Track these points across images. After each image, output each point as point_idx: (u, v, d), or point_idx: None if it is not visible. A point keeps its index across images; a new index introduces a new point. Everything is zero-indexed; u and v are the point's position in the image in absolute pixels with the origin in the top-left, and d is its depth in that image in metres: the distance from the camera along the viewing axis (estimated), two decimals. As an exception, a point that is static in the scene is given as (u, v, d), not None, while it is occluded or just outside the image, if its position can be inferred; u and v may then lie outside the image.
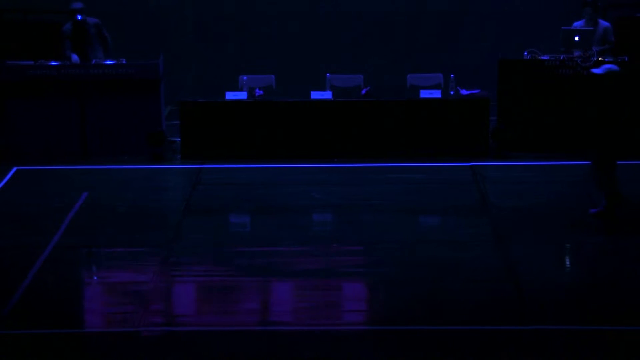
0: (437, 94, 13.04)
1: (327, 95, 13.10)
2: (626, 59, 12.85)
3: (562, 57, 12.96)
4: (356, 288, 9.20)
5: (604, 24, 13.34)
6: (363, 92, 13.24)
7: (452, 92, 13.07)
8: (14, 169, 12.52)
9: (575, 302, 8.77)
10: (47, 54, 13.31)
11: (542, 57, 13.02)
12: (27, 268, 9.43)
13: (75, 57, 13.12)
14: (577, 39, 12.85)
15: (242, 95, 13.08)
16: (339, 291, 9.10)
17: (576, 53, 12.73)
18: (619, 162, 10.39)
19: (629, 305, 8.60)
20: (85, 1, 13.97)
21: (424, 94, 13.02)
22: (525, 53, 13.10)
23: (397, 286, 9.12)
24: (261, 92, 13.19)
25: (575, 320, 8.34)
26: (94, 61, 13.11)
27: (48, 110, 12.98)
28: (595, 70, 10.27)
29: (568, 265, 9.86)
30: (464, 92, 13.08)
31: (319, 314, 8.53)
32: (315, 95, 13.06)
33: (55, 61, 13.06)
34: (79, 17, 13.11)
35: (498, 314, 8.46)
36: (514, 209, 10.97)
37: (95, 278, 9.38)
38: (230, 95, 13.07)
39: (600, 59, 12.87)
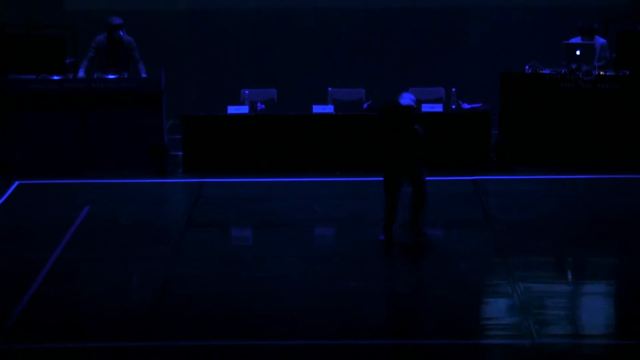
0: (438, 107, 13.05)
1: (329, 109, 13.11)
2: (627, 72, 12.88)
3: (563, 71, 12.98)
4: (357, 302, 9.18)
5: (600, 40, 13.38)
6: (365, 106, 13.25)
7: (453, 106, 13.09)
8: (16, 183, 12.53)
9: (577, 316, 8.77)
10: (50, 68, 13.33)
11: (544, 71, 13.04)
12: (29, 282, 9.43)
13: (81, 74, 13.15)
14: (578, 53, 12.87)
15: (244, 109, 13.10)
16: (340, 305, 9.08)
17: (584, 67, 12.74)
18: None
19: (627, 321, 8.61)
20: (90, 16, 14.04)
21: (426, 107, 13.03)
22: (527, 67, 13.12)
23: (400, 300, 9.11)
24: (263, 106, 13.21)
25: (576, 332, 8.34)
26: (95, 75, 13.13)
27: (50, 125, 12.99)
28: (401, 101, 10.19)
29: (570, 279, 9.84)
30: (465, 105, 13.09)
31: (323, 330, 8.52)
32: (317, 109, 13.07)
33: (57, 75, 13.08)
34: (121, 33, 13.17)
35: (505, 329, 8.45)
36: (516, 223, 10.97)
37: (98, 292, 9.36)
38: (232, 109, 13.09)
39: (601, 72, 12.89)
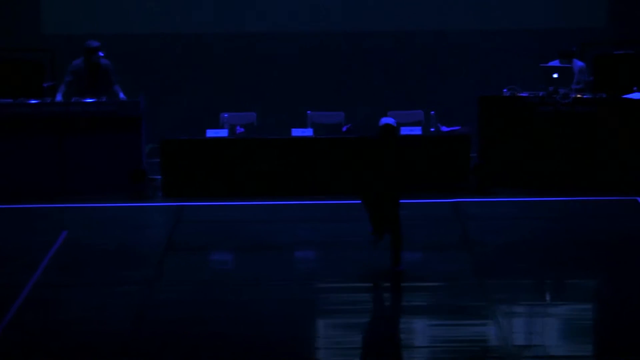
0: (417, 130, 13.08)
1: (308, 132, 13.12)
2: (604, 96, 12.96)
3: (541, 94, 13.05)
4: (338, 323, 9.16)
5: (578, 63, 13.47)
6: (344, 129, 13.27)
7: (432, 129, 13.12)
8: (-6, 207, 12.47)
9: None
10: (28, 92, 13.29)
11: (522, 94, 13.10)
12: (5, 308, 9.35)
13: (59, 98, 13.11)
14: (556, 76, 12.94)
15: (223, 133, 13.09)
16: (323, 328, 9.05)
17: (561, 91, 12.81)
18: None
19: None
20: (68, 40, 14.01)
21: (405, 130, 13.05)
22: (505, 90, 13.19)
23: (380, 325, 9.10)
24: (242, 129, 13.20)
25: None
26: (73, 99, 13.08)
27: (28, 149, 12.93)
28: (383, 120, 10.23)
29: (549, 301, 9.85)
30: (444, 128, 13.13)
31: (302, 350, 8.50)
32: (297, 132, 13.08)
33: (35, 99, 13.03)
34: (101, 54, 13.13)
35: (484, 352, 8.45)
36: (495, 245, 10.99)
37: (76, 317, 9.30)
38: (211, 133, 13.08)
39: (578, 96, 12.97)
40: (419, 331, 8.92)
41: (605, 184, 12.82)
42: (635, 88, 13.08)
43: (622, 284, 9.88)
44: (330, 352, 8.53)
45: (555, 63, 13.36)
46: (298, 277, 10.21)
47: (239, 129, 13.16)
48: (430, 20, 15.76)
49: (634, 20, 15.69)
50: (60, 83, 13.39)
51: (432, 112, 13.17)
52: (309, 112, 13.82)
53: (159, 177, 13.16)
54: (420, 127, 13.21)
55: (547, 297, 9.96)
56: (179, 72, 15.90)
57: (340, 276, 10.12)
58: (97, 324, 9.12)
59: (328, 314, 9.27)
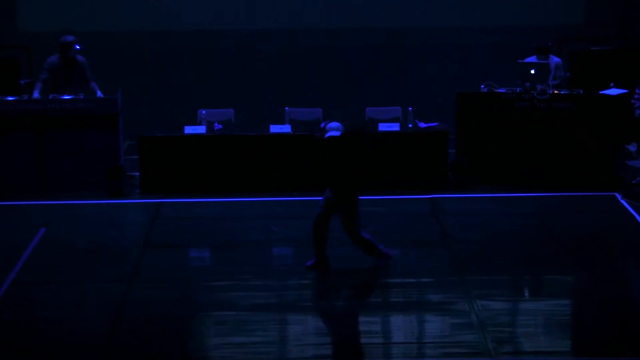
0: (395, 127, 13.11)
1: (286, 128, 13.12)
2: (581, 92, 13.02)
3: (518, 90, 13.10)
4: (315, 321, 9.17)
5: (555, 59, 13.53)
6: (322, 125, 13.25)
7: (410, 125, 13.15)
8: (-29, 205, 12.41)
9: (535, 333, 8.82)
10: (4, 89, 13.23)
11: (499, 90, 13.15)
12: (-17, 306, 9.32)
13: (36, 95, 13.06)
14: (533, 72, 12.99)
15: (201, 130, 13.07)
16: (297, 325, 9.06)
17: (538, 87, 12.87)
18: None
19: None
20: (44, 37, 13.95)
21: (383, 127, 13.08)
22: (483, 86, 13.23)
23: (357, 319, 9.11)
24: (220, 126, 13.19)
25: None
26: (50, 96, 13.03)
27: (5, 146, 12.88)
28: (330, 133, 10.15)
29: (527, 297, 9.89)
30: (422, 125, 13.16)
31: (280, 347, 8.50)
32: (275, 129, 13.08)
33: (12, 96, 12.97)
34: (77, 47, 13.05)
35: (462, 347, 8.48)
36: (473, 242, 11.02)
37: (54, 315, 9.27)
38: (189, 130, 13.06)
39: (555, 91, 13.03)
40: (397, 327, 8.93)
41: (583, 180, 12.87)
42: (612, 84, 13.15)
43: (600, 280, 9.93)
44: (306, 349, 8.54)
45: (532, 59, 13.42)
46: (274, 273, 10.20)
47: (217, 126, 13.14)
48: (409, 17, 15.80)
49: (611, 17, 15.79)
50: (36, 80, 13.33)
51: (410, 109, 13.20)
52: (287, 108, 13.82)
53: (137, 174, 13.13)
54: (398, 124, 13.23)
55: (525, 292, 10.00)
56: (156, 69, 15.87)
57: (316, 273, 10.11)
58: (75, 322, 9.09)
59: (303, 310, 9.28)
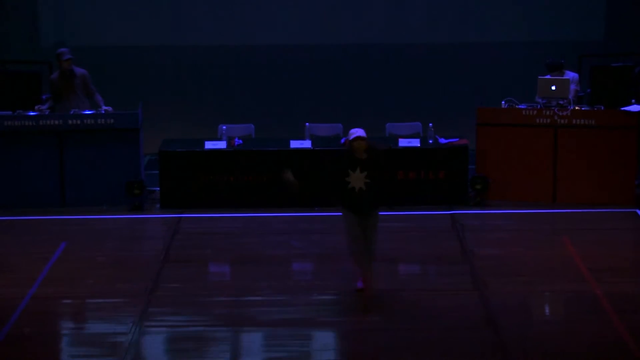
0: (415, 142, 13.09)
1: (307, 144, 13.13)
2: (602, 108, 12.98)
3: (539, 106, 13.07)
4: (334, 337, 9.15)
5: (571, 74, 13.50)
6: (342, 141, 13.27)
7: (430, 141, 13.13)
8: (-8, 219, 12.46)
9: (558, 349, 8.78)
10: (25, 104, 13.29)
11: (520, 106, 13.13)
12: (4, 319, 9.35)
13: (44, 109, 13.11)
14: (554, 88, 12.97)
15: (222, 145, 13.10)
16: (316, 341, 9.04)
17: (559, 102, 12.84)
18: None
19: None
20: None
21: (403, 142, 13.07)
22: (503, 102, 13.21)
23: (377, 335, 9.09)
24: (240, 141, 13.21)
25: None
26: (72, 111, 13.09)
27: (26, 161, 12.94)
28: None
29: (547, 314, 9.85)
30: (442, 140, 13.15)
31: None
32: (295, 144, 13.09)
33: (33, 111, 13.05)
34: (69, 57, 13.07)
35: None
36: (493, 258, 10.99)
37: (74, 329, 9.29)
38: (209, 145, 13.08)
39: (576, 107, 12.99)
40: (415, 343, 8.90)
41: (603, 196, 12.82)
42: (633, 100, 13.11)
43: (616, 293, 9.88)
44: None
45: (547, 77, 13.37)
46: (294, 289, 10.19)
47: (237, 141, 13.17)
48: (429, 33, 15.82)
49: (631, 33, 15.75)
50: (48, 99, 13.35)
51: (430, 124, 13.18)
52: (307, 124, 13.84)
53: (157, 188, 13.16)
54: (418, 139, 13.22)
55: (546, 309, 9.95)
56: (177, 84, 15.94)
57: (336, 288, 10.10)
58: (95, 337, 9.10)
59: (323, 326, 9.27)
